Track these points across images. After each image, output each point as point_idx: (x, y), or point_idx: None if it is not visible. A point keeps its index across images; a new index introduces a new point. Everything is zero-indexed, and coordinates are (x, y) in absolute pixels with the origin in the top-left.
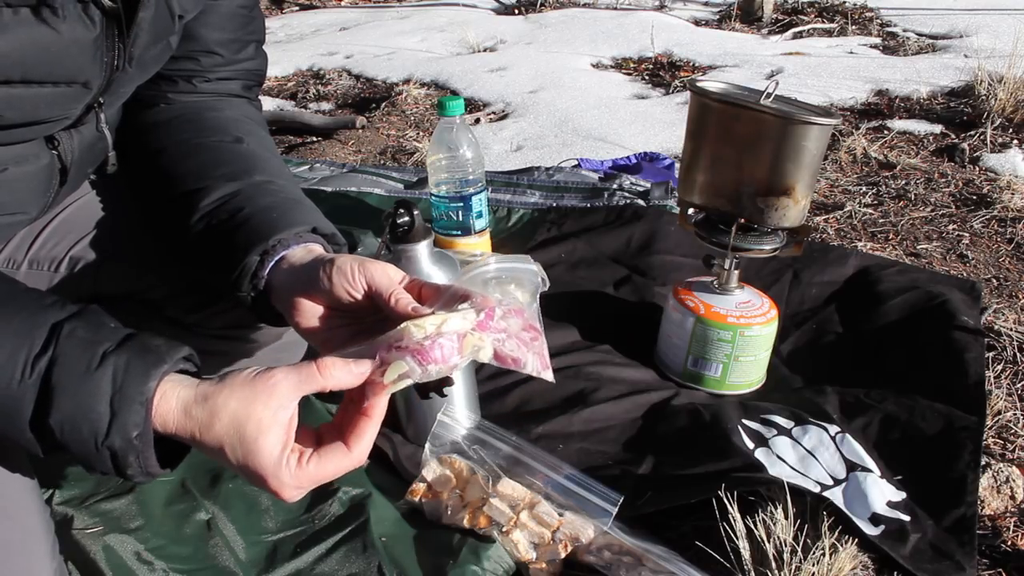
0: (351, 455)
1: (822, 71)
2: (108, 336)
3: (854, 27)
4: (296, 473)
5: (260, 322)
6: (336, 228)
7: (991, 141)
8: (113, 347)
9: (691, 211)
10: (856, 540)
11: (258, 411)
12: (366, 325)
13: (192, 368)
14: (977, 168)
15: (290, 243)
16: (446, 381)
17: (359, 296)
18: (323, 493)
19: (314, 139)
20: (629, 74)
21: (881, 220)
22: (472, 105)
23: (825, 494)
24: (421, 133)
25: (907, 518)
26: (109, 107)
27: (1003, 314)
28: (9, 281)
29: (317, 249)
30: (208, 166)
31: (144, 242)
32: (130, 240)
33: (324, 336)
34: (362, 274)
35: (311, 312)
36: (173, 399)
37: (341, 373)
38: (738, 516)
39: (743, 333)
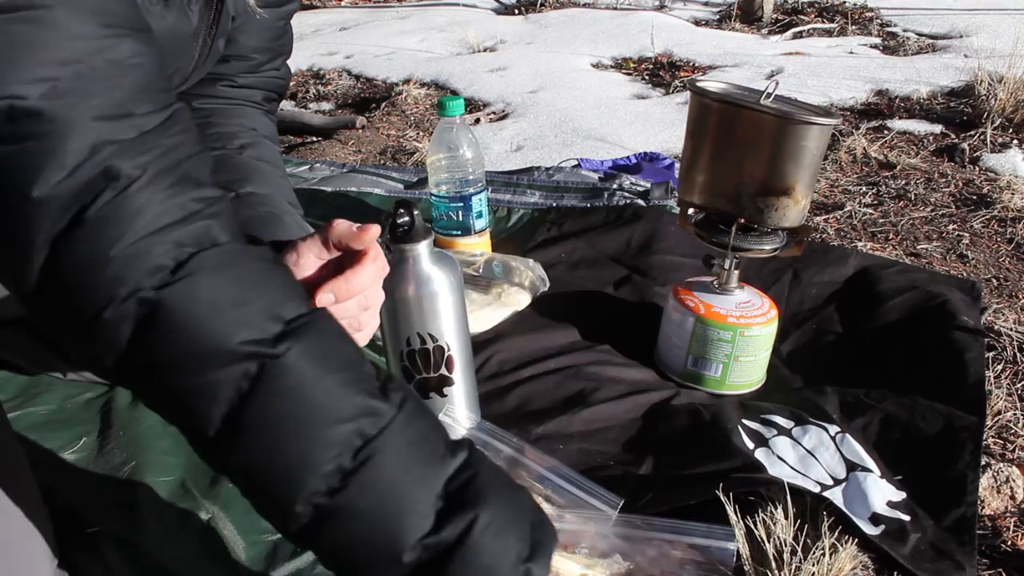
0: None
1: (822, 71)
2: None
3: (854, 27)
4: None
5: None
6: None
7: (991, 141)
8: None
9: (691, 211)
10: (856, 540)
11: None
12: None
13: None
14: (977, 168)
15: None
16: (446, 381)
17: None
18: None
19: (314, 139)
20: (629, 74)
21: (881, 220)
22: (472, 105)
23: (825, 494)
24: (421, 133)
25: (907, 518)
26: None
27: (1003, 314)
28: None
29: None
30: None
31: None
32: None
33: None
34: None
35: None
36: None
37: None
38: (738, 516)
39: (743, 333)
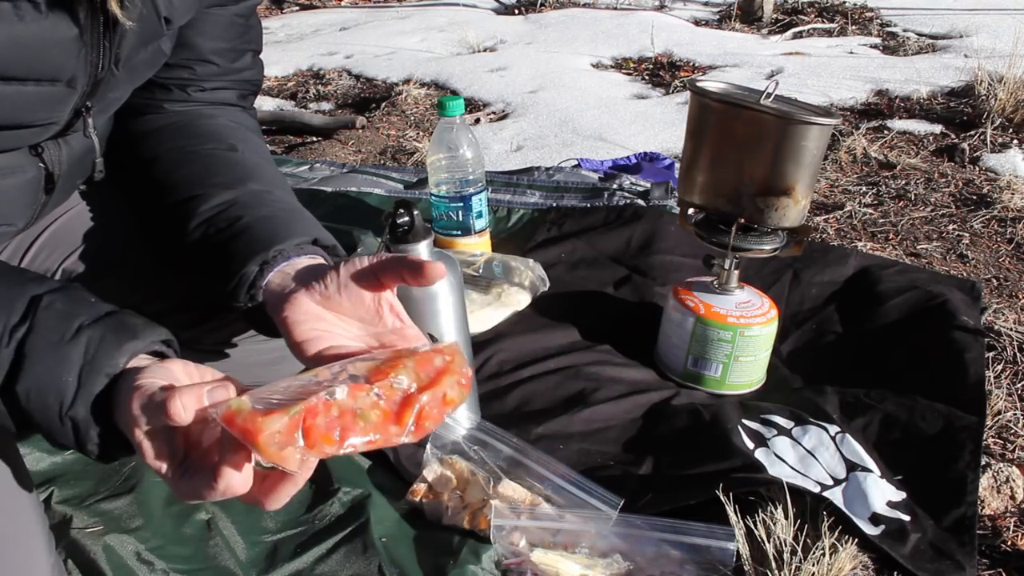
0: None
1: (822, 71)
2: (87, 310)
3: (854, 27)
4: None
5: (256, 332)
6: (336, 229)
7: (991, 141)
8: (90, 321)
9: (691, 211)
10: (856, 540)
11: None
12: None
13: (171, 353)
14: (977, 168)
15: (290, 254)
16: None
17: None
18: (323, 493)
19: (314, 139)
20: (629, 74)
21: (881, 220)
22: (472, 105)
23: (825, 494)
24: (421, 133)
25: (907, 518)
26: (99, 113)
27: (1003, 314)
28: None
29: (318, 261)
30: (203, 174)
31: (138, 255)
32: (123, 253)
33: (309, 348)
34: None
35: (300, 321)
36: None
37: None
38: (738, 516)
39: (743, 333)
